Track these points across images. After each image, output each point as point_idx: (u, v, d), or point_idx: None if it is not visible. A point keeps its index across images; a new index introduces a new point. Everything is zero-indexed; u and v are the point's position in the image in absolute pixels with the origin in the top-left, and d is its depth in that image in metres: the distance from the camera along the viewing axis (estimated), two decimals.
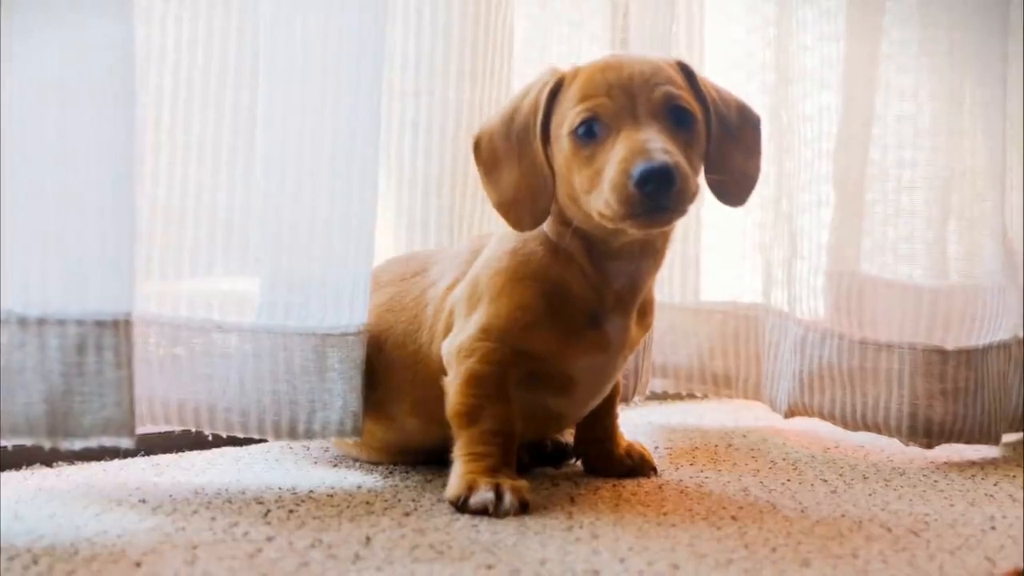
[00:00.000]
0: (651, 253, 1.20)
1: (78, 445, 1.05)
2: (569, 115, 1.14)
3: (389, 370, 1.26)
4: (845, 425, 1.52)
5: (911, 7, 1.54)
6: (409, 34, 1.46)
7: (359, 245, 1.24)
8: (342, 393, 1.23)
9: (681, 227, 1.70)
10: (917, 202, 1.54)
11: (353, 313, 1.24)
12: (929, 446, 1.49)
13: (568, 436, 1.38)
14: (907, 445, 1.50)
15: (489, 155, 1.20)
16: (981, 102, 1.55)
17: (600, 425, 1.33)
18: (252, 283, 1.25)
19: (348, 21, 1.21)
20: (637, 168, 1.06)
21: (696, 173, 1.14)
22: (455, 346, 1.19)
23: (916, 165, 1.54)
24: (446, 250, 1.35)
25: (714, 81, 1.24)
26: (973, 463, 1.46)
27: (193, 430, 1.25)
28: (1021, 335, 1.60)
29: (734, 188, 1.22)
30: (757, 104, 1.65)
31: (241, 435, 1.24)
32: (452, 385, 1.19)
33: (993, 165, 1.57)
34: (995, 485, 1.33)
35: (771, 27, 1.65)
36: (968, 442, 1.50)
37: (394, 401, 1.26)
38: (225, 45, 1.25)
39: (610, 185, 1.08)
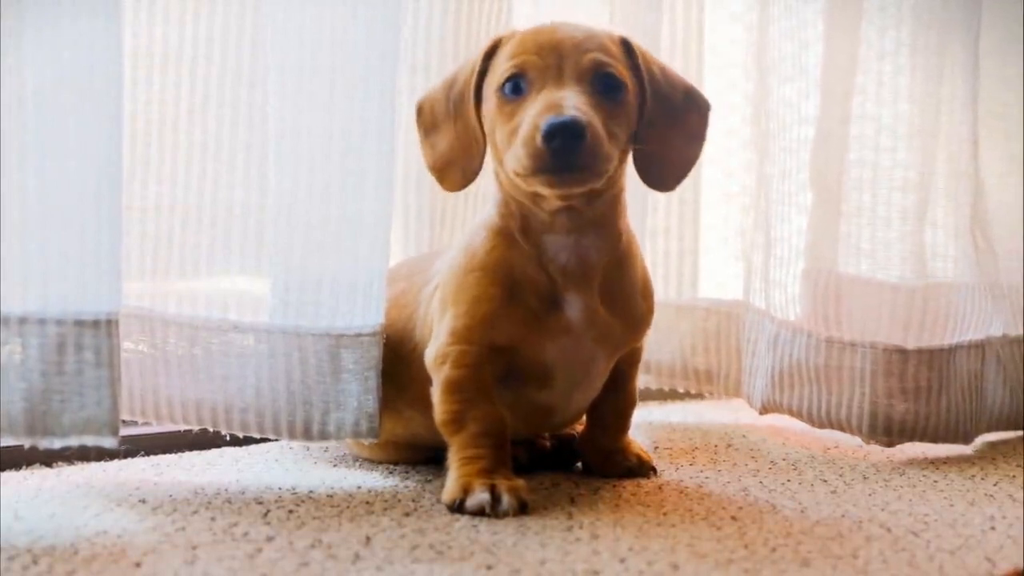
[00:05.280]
0: (591, 227, 1.19)
1: (57, 444, 1.05)
2: (497, 72, 1.16)
3: (394, 363, 1.26)
4: (812, 422, 1.53)
5: (890, 9, 1.54)
6: None
7: (374, 244, 1.24)
8: (356, 394, 1.23)
9: (676, 225, 1.72)
10: (891, 201, 1.54)
11: (367, 313, 1.24)
12: (890, 444, 1.50)
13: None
14: (867, 443, 1.51)
15: (429, 119, 1.23)
16: (956, 101, 1.56)
17: (605, 426, 1.32)
18: (267, 283, 1.25)
19: (359, 17, 1.21)
20: (545, 122, 1.07)
21: (618, 144, 1.15)
22: (431, 355, 1.20)
23: (893, 166, 1.54)
24: (446, 250, 1.35)
25: (663, 62, 1.25)
26: (973, 463, 1.46)
27: (197, 429, 1.26)
28: (1014, 333, 1.61)
29: (667, 170, 1.22)
30: (753, 102, 1.66)
31: (257, 435, 1.25)
32: (435, 394, 1.19)
33: (965, 164, 1.57)
34: (995, 485, 1.33)
35: (754, 31, 1.65)
36: (933, 441, 1.50)
37: (399, 394, 1.27)
38: (240, 42, 1.26)
39: (522, 140, 1.10)
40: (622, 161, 1.19)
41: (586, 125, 1.08)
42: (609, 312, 1.21)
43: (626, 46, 1.20)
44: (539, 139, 1.08)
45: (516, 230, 1.19)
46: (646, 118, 1.19)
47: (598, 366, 1.24)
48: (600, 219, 1.20)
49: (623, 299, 1.23)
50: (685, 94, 1.23)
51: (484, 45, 1.20)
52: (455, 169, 1.21)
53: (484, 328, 1.18)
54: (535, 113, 1.10)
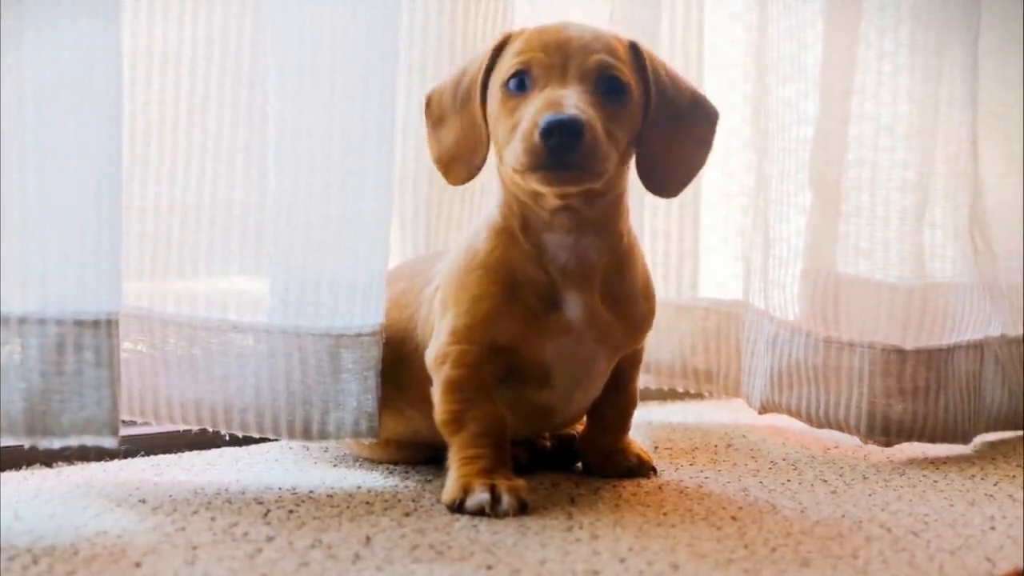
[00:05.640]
0: (590, 227, 1.19)
1: (57, 444, 1.05)
2: (503, 68, 1.16)
3: (396, 363, 1.26)
4: (810, 422, 1.53)
5: (889, 10, 1.54)
6: None
7: (374, 244, 1.24)
8: (356, 394, 1.23)
9: (675, 225, 1.72)
10: (889, 201, 1.54)
11: (367, 313, 1.24)
12: (888, 444, 1.50)
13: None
14: (865, 443, 1.51)
15: (437, 112, 1.23)
16: (955, 101, 1.56)
17: (606, 427, 1.32)
18: (266, 282, 1.25)
19: (359, 17, 1.21)
20: (544, 119, 1.07)
21: (618, 145, 1.14)
22: (431, 355, 1.20)
23: (892, 166, 1.54)
24: (448, 251, 1.35)
25: (673, 68, 1.25)
26: (973, 463, 1.46)
27: (197, 429, 1.26)
28: (1012, 334, 1.61)
29: (670, 176, 1.22)
30: (752, 102, 1.66)
31: (257, 435, 1.25)
32: (435, 395, 1.19)
33: (964, 164, 1.57)
34: (995, 485, 1.33)
35: (753, 31, 1.64)
36: (931, 441, 1.50)
37: (400, 394, 1.27)
38: (240, 42, 1.26)
39: (520, 135, 1.10)
40: (623, 164, 1.19)
41: (585, 124, 1.08)
42: (610, 313, 1.21)
43: (634, 50, 1.19)
44: (537, 135, 1.08)
45: (517, 228, 1.19)
46: (650, 122, 1.19)
47: (598, 366, 1.24)
48: (600, 220, 1.20)
49: (624, 300, 1.23)
50: (693, 101, 1.23)
51: (494, 40, 1.20)
52: (460, 163, 1.21)
53: (484, 327, 1.18)
54: (535, 110, 1.10)
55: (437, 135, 1.23)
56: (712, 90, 1.71)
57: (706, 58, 1.71)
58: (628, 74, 1.16)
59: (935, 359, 1.50)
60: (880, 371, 1.49)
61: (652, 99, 1.19)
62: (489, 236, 1.21)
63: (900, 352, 1.49)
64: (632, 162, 1.21)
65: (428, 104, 1.24)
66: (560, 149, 1.07)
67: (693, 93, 1.24)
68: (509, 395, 1.21)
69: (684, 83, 1.24)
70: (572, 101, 1.09)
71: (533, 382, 1.22)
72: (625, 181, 1.22)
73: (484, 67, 1.19)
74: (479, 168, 1.20)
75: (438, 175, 1.49)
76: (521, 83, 1.14)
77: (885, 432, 1.49)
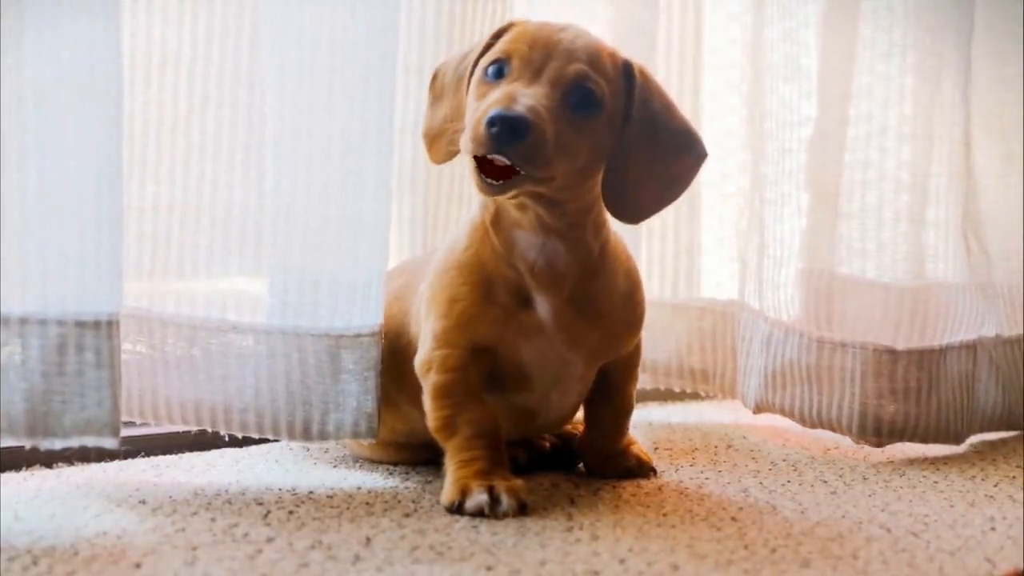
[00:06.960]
0: (555, 233, 1.17)
1: (59, 445, 1.05)
2: (489, 54, 1.16)
3: (393, 358, 1.26)
4: (803, 422, 1.54)
5: (886, 12, 1.54)
6: None
7: (373, 244, 1.24)
8: (356, 394, 1.24)
9: (671, 225, 1.72)
10: (884, 202, 1.55)
11: (366, 313, 1.24)
12: (879, 445, 1.50)
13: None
14: (857, 444, 1.52)
15: (439, 88, 1.24)
16: (947, 103, 1.56)
17: (603, 430, 1.31)
18: (266, 283, 1.25)
19: (358, 18, 1.21)
20: (493, 110, 1.07)
21: (573, 159, 1.12)
22: (418, 362, 1.20)
23: (888, 167, 1.54)
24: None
25: (671, 100, 1.22)
26: (973, 464, 1.46)
27: (197, 430, 1.26)
28: (1007, 334, 1.62)
29: (639, 202, 1.20)
30: (748, 103, 1.66)
31: (256, 435, 1.25)
32: (425, 401, 1.19)
33: (958, 165, 1.57)
34: (995, 486, 1.33)
35: (749, 31, 1.64)
36: (923, 441, 1.51)
37: (398, 389, 1.27)
38: (239, 43, 1.26)
39: (472, 120, 1.09)
40: (587, 178, 1.17)
41: (530, 124, 1.06)
42: (583, 319, 1.20)
43: (627, 69, 1.17)
44: (483, 123, 1.07)
45: (490, 223, 1.19)
46: (627, 145, 1.16)
47: (575, 369, 1.23)
48: (565, 230, 1.18)
49: (600, 310, 1.21)
50: (683, 134, 1.20)
51: (499, 27, 1.20)
52: (442, 141, 1.21)
53: (461, 328, 1.18)
54: (492, 100, 1.09)
55: (433, 110, 1.23)
56: (711, 91, 1.72)
57: (705, 59, 1.71)
58: (606, 90, 1.14)
59: (927, 359, 1.51)
60: (872, 371, 1.49)
61: (633, 122, 1.16)
62: (468, 233, 1.21)
63: (892, 352, 1.49)
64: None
65: (434, 79, 1.24)
66: (499, 141, 1.06)
67: (685, 127, 1.21)
68: (491, 398, 1.21)
69: (679, 115, 1.21)
70: (527, 101, 1.08)
71: (512, 383, 1.21)
72: (591, 195, 1.19)
73: (480, 51, 1.18)
74: (456, 147, 1.17)
75: (436, 177, 1.50)
76: (499, 71, 1.13)
77: (877, 432, 1.49)
